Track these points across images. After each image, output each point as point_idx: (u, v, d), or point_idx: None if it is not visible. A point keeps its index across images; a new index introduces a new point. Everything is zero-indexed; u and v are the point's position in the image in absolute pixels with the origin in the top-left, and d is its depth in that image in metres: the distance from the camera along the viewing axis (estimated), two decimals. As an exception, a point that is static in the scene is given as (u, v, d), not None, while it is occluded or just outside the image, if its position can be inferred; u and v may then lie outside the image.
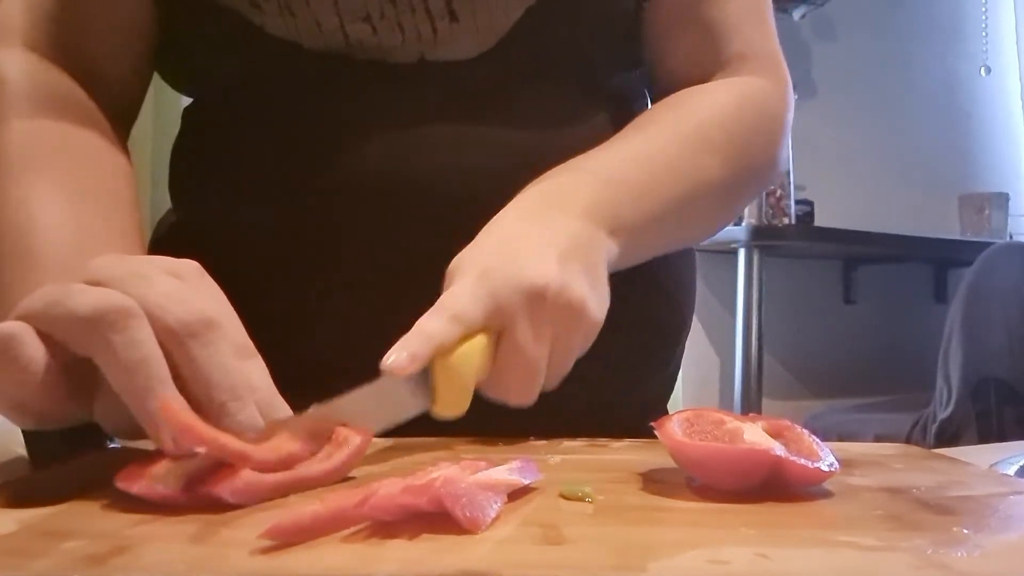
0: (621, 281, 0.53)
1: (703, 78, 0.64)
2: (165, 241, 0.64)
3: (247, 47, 0.57)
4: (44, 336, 0.36)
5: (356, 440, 0.40)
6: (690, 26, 0.64)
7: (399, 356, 0.40)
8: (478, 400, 0.45)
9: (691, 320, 0.70)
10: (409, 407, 0.42)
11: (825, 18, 2.72)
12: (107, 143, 0.57)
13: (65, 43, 0.58)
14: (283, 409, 0.41)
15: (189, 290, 0.40)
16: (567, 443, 0.50)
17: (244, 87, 0.59)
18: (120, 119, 0.61)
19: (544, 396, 0.48)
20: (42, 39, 0.58)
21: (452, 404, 0.43)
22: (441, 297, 0.44)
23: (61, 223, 0.50)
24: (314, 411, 0.40)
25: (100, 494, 0.35)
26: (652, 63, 0.66)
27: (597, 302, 0.48)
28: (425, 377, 0.42)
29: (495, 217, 0.50)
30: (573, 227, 0.49)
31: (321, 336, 0.57)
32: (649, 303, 0.64)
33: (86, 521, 0.32)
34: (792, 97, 0.67)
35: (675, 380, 0.72)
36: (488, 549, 0.29)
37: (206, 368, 0.37)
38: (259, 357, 0.41)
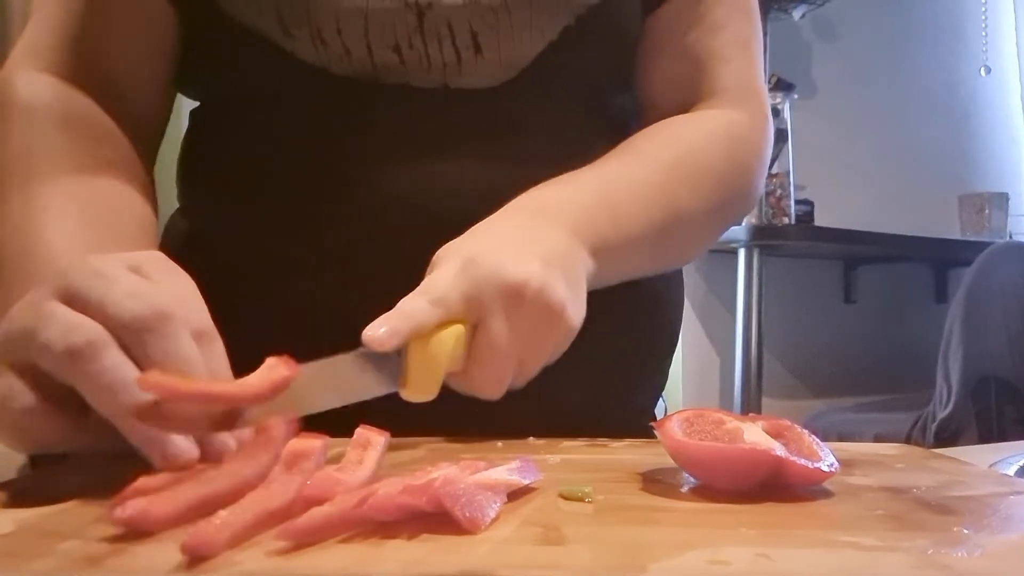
0: (609, 297, 0.53)
1: (684, 106, 0.65)
2: (179, 251, 0.64)
3: (274, 68, 0.58)
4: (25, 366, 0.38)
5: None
6: (675, 54, 0.65)
7: (378, 331, 0.41)
8: (472, 402, 0.45)
9: (678, 336, 0.71)
10: (375, 387, 0.42)
11: (825, 18, 2.72)
12: (121, 159, 0.57)
13: (86, 64, 0.59)
14: None
15: (147, 284, 0.40)
16: (567, 443, 0.50)
17: (267, 104, 0.59)
18: (143, 135, 0.61)
19: (531, 403, 0.48)
20: (63, 60, 0.59)
21: (422, 388, 0.43)
22: (424, 281, 0.45)
23: (64, 230, 0.50)
24: (272, 362, 0.38)
25: (98, 495, 0.35)
26: (638, 85, 0.67)
27: (575, 308, 0.49)
28: (396, 358, 0.42)
29: (482, 221, 0.51)
30: (556, 237, 0.51)
31: (331, 341, 0.57)
32: (641, 322, 0.65)
33: (84, 522, 0.32)
34: (771, 131, 0.68)
35: (662, 389, 0.72)
36: (488, 549, 0.29)
37: (165, 362, 0.38)
38: (219, 341, 0.42)
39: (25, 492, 0.37)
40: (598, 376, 0.61)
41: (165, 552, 0.28)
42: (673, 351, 0.71)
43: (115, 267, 0.40)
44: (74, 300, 0.38)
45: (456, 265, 0.46)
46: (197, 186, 0.64)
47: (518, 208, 0.53)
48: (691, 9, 0.65)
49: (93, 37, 0.59)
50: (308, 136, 0.58)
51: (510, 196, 0.54)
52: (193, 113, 0.66)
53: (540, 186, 0.55)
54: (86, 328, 0.37)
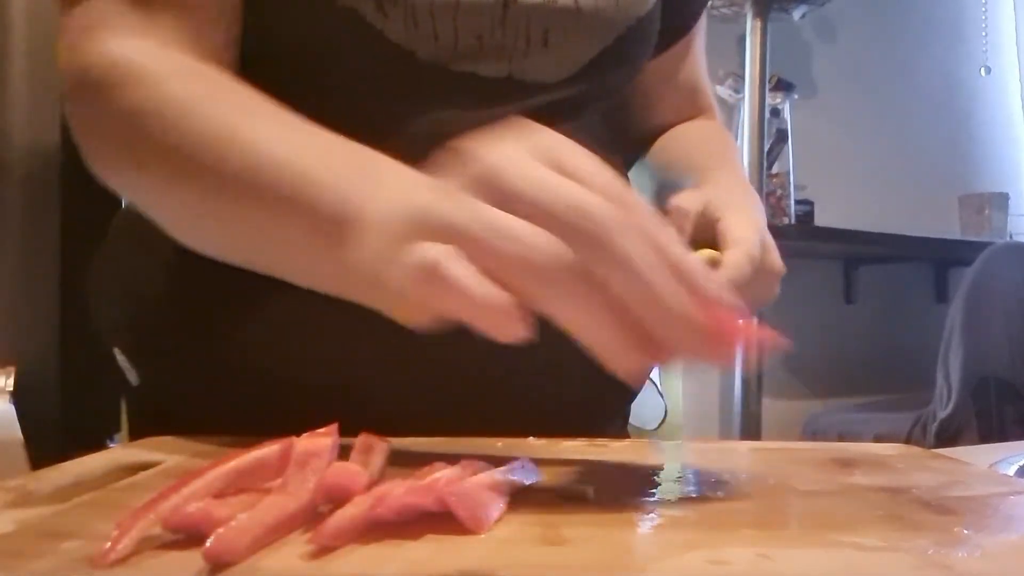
0: None
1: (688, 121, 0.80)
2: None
3: (363, 48, 0.57)
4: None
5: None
6: (674, 85, 0.79)
7: None
8: (469, 400, 0.45)
9: None
10: None
11: (825, 18, 2.72)
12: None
13: (178, 46, 0.53)
14: None
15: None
16: (567, 443, 0.50)
17: (346, 83, 0.59)
18: None
19: (495, 410, 0.47)
20: (153, 38, 0.53)
21: None
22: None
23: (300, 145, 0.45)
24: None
25: (99, 494, 0.35)
26: (638, 113, 0.78)
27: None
28: None
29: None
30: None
31: (331, 341, 0.57)
32: None
33: (84, 521, 0.32)
34: None
35: (636, 394, 0.72)
36: (489, 549, 0.29)
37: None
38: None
39: (25, 492, 0.37)
40: (566, 384, 0.60)
41: (166, 552, 0.29)
42: None
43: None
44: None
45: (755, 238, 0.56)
46: None
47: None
48: (690, 44, 0.78)
49: (183, 18, 0.54)
50: (380, 119, 0.57)
51: None
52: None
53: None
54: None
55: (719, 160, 0.69)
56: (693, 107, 0.80)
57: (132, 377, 0.64)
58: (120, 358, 0.64)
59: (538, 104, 0.61)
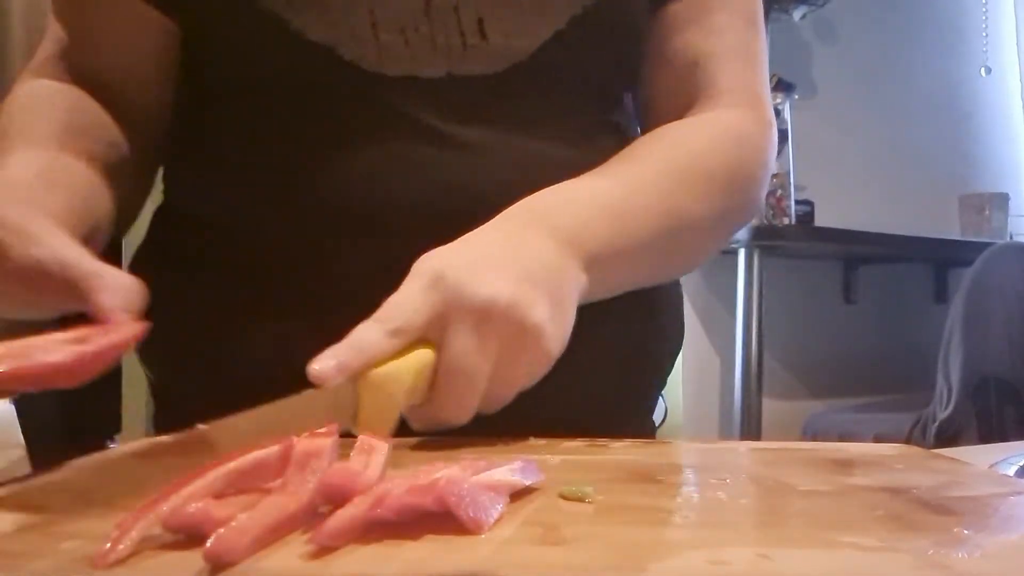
0: (608, 309, 0.53)
1: (682, 110, 0.64)
2: (167, 240, 0.64)
3: (283, 50, 0.57)
4: None
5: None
6: (673, 56, 0.65)
7: (325, 364, 0.39)
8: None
9: (681, 337, 0.70)
10: (324, 421, 0.38)
11: (825, 19, 2.72)
12: (102, 152, 0.58)
13: (80, 68, 0.61)
14: None
15: None
16: (567, 443, 0.50)
17: (270, 86, 0.59)
18: (142, 130, 0.62)
19: (532, 414, 0.47)
20: (60, 67, 0.61)
21: (375, 422, 0.40)
22: (385, 303, 0.44)
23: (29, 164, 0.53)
24: (209, 429, 0.36)
25: (99, 494, 0.35)
26: (639, 89, 0.67)
27: (554, 332, 0.47)
28: (352, 389, 0.39)
29: (472, 232, 0.50)
30: (546, 251, 0.49)
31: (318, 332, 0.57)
32: (639, 331, 0.64)
33: (84, 522, 0.32)
34: (775, 139, 0.67)
35: (659, 394, 0.72)
36: (489, 549, 0.29)
37: None
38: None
39: (25, 492, 0.37)
40: (597, 379, 0.61)
41: (166, 552, 0.29)
42: (676, 352, 0.70)
43: None
44: None
45: (424, 281, 0.44)
46: (188, 171, 0.64)
47: (510, 218, 0.51)
48: (691, 11, 0.64)
49: (85, 43, 0.61)
50: (309, 122, 0.58)
51: (511, 191, 0.53)
52: (184, 97, 0.65)
53: (537, 194, 0.53)
54: None
55: (537, 197, 0.53)
56: (701, 87, 0.64)
57: (149, 375, 0.64)
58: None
59: (490, 97, 0.58)
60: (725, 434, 2.50)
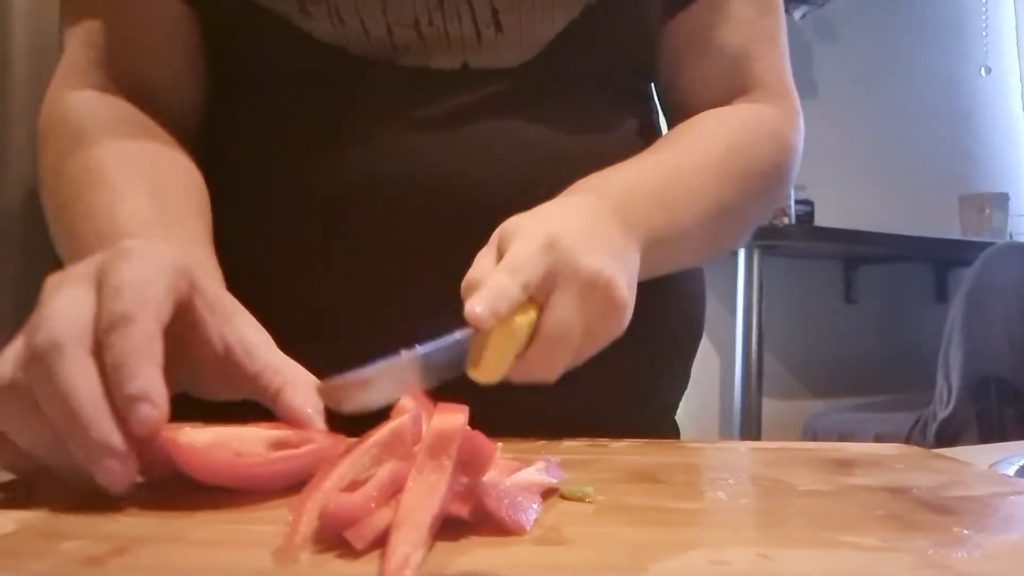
0: (638, 293, 0.53)
1: (716, 102, 0.66)
2: None
3: (292, 50, 0.57)
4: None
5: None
6: (706, 51, 0.66)
7: (484, 308, 0.40)
8: (494, 400, 0.44)
9: (702, 331, 0.71)
10: (445, 372, 0.39)
11: (825, 18, 2.73)
12: (173, 152, 0.58)
13: (121, 74, 0.60)
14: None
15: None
16: (567, 443, 0.50)
17: (284, 87, 0.59)
18: (181, 129, 0.61)
19: (559, 402, 0.47)
20: (100, 74, 0.60)
21: (494, 370, 0.41)
22: (507, 257, 0.44)
23: (143, 203, 0.51)
24: (339, 380, 0.36)
25: (100, 495, 0.35)
26: (666, 84, 0.68)
27: (630, 307, 0.49)
28: (463, 340, 0.40)
29: (544, 205, 0.50)
30: (617, 233, 0.51)
31: (332, 324, 0.56)
32: (663, 315, 0.65)
33: (85, 522, 0.32)
34: (802, 125, 0.69)
35: (686, 387, 0.72)
36: (489, 549, 0.29)
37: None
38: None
39: (27, 492, 0.37)
40: (621, 373, 0.61)
41: (167, 552, 0.29)
42: (697, 346, 0.70)
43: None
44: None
45: (538, 243, 0.45)
46: (207, 172, 0.64)
47: (583, 197, 0.52)
48: (717, 8, 0.65)
49: (122, 49, 0.60)
50: (324, 120, 0.58)
51: (527, 182, 0.54)
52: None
53: (592, 177, 0.54)
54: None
55: (595, 179, 0.54)
56: (734, 80, 0.66)
57: None
58: None
59: (506, 89, 0.58)
60: (725, 434, 2.50)
